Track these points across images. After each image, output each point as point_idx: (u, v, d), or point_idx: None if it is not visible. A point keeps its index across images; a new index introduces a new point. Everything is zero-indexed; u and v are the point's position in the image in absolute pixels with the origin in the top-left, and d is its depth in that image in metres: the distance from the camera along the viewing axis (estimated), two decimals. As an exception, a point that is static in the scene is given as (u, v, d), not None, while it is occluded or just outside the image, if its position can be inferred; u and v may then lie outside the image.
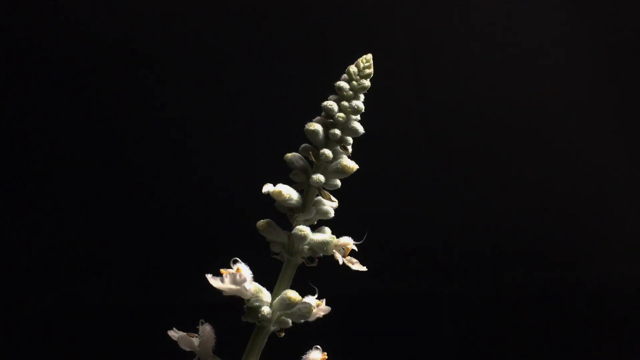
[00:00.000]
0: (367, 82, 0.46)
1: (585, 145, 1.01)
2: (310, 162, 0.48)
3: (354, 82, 0.46)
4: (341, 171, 0.47)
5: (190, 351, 0.48)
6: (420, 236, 1.00)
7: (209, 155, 0.99)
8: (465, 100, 1.01)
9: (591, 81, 1.01)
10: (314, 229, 0.48)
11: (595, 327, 1.00)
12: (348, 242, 0.48)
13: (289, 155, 0.48)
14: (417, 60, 0.99)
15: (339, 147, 0.47)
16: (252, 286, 0.47)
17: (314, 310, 0.49)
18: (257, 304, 0.47)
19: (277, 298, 0.47)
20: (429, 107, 1.00)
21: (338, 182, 0.48)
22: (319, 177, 0.47)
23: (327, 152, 0.47)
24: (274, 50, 0.99)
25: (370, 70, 0.46)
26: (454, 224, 1.00)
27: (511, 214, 1.00)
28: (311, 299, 0.49)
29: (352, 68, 0.46)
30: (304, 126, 0.47)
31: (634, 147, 1.00)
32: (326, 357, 0.47)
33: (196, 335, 0.48)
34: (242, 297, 0.47)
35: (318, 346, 0.48)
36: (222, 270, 0.46)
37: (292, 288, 0.48)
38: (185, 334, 0.48)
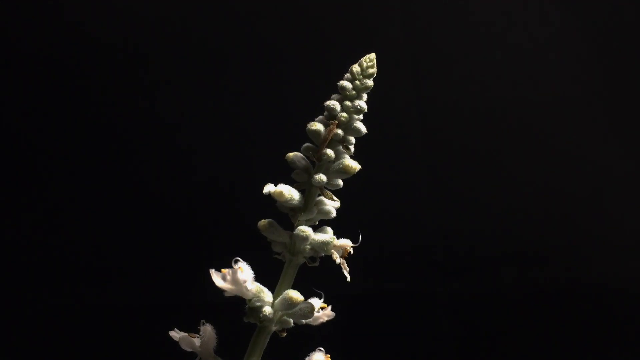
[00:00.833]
0: (370, 82, 0.46)
1: (584, 145, 1.01)
2: (312, 162, 0.47)
3: (357, 82, 0.46)
4: (343, 171, 0.47)
5: (191, 352, 0.47)
6: (419, 236, 1.00)
7: (210, 156, 0.99)
8: (463, 100, 1.01)
9: (590, 81, 1.00)
10: (315, 228, 0.48)
11: (594, 327, 1.00)
12: (347, 243, 0.48)
13: (290, 155, 0.48)
14: (416, 60, 0.99)
15: (341, 147, 0.47)
16: (253, 286, 0.46)
17: (318, 315, 0.49)
18: (258, 304, 0.47)
19: (279, 298, 0.47)
20: (427, 108, 1.00)
21: (340, 182, 0.48)
22: (321, 177, 0.46)
23: (329, 151, 0.46)
24: (274, 50, 0.99)
25: (374, 70, 0.46)
26: (453, 224, 1.00)
27: (510, 214, 1.00)
28: (316, 301, 0.49)
29: (355, 67, 0.46)
30: (305, 126, 0.47)
31: (632, 147, 1.00)
32: (329, 359, 0.47)
33: (197, 335, 0.48)
34: (244, 297, 0.47)
35: (321, 348, 0.47)
36: (223, 270, 0.46)
37: (293, 288, 0.48)
38: (186, 334, 0.47)
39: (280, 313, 0.47)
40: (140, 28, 0.97)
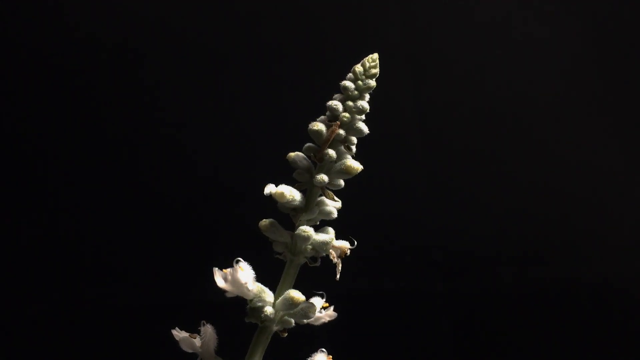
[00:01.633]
0: (372, 82, 0.46)
1: (583, 146, 1.01)
2: (314, 162, 0.47)
3: (360, 82, 0.46)
4: (345, 172, 0.46)
5: (192, 352, 0.47)
6: (418, 236, 1.00)
7: (210, 156, 0.99)
8: (462, 100, 1.01)
9: (589, 82, 1.01)
10: (317, 229, 0.48)
11: (594, 327, 1.00)
12: (345, 245, 0.48)
13: (292, 154, 0.47)
14: (415, 60, 0.99)
15: (342, 147, 0.47)
16: (254, 286, 0.46)
17: (320, 315, 0.49)
18: (259, 304, 0.47)
19: (280, 298, 0.47)
20: (426, 108, 1.00)
21: (341, 182, 0.48)
22: (323, 177, 0.46)
23: (331, 152, 0.46)
24: (274, 51, 0.99)
25: (376, 70, 0.46)
26: (453, 224, 1.00)
27: (509, 214, 1.00)
28: (317, 301, 0.49)
29: (358, 68, 0.46)
30: (306, 126, 0.47)
31: (632, 147, 1.00)
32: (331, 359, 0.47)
33: (198, 335, 0.48)
34: (245, 297, 0.46)
35: (323, 349, 0.47)
36: (224, 270, 0.46)
37: (294, 288, 0.48)
38: (187, 335, 0.47)
39: (281, 313, 0.47)
40: (141, 29, 0.97)
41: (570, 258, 1.00)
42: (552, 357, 1.00)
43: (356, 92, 0.46)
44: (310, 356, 0.48)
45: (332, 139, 0.46)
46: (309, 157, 0.47)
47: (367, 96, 0.46)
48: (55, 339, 0.94)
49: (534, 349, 1.00)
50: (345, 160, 0.46)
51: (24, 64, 0.95)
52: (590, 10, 1.00)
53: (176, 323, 0.48)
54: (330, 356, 0.48)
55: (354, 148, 0.47)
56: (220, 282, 0.46)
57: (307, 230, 0.46)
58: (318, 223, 0.49)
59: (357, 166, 0.46)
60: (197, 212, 0.98)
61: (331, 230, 0.48)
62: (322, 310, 0.49)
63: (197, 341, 0.47)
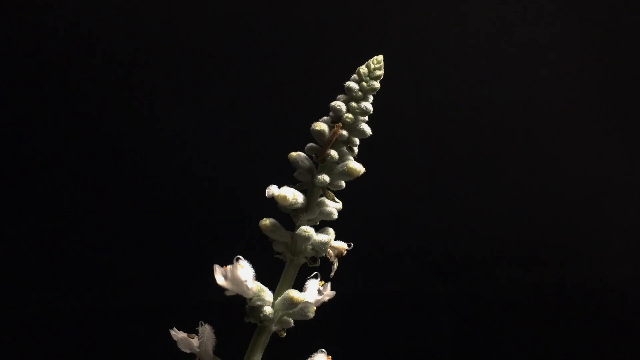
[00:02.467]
0: (376, 84, 0.46)
1: (583, 148, 1.01)
2: (316, 162, 0.47)
3: (364, 83, 0.46)
4: (347, 173, 0.46)
5: (190, 353, 0.47)
6: (417, 237, 1.01)
7: (210, 156, 0.98)
8: (461, 103, 1.01)
9: (589, 84, 1.01)
10: (317, 229, 0.48)
11: (592, 329, 1.01)
12: (342, 245, 0.47)
13: (293, 154, 0.47)
14: (415, 62, 0.99)
15: (345, 148, 0.47)
16: (254, 285, 0.46)
17: (319, 297, 0.49)
18: (259, 303, 0.46)
19: (279, 298, 0.47)
20: (426, 110, 1.00)
21: (342, 183, 0.47)
22: (324, 178, 0.46)
23: (333, 152, 0.46)
24: (275, 52, 0.99)
25: (381, 72, 0.46)
26: (452, 225, 1.00)
27: (508, 216, 1.01)
28: (313, 283, 0.48)
29: (363, 69, 0.46)
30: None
31: (631, 149, 1.00)
32: (331, 360, 0.47)
33: (196, 335, 0.47)
34: (244, 295, 0.46)
35: (323, 349, 0.47)
36: (225, 267, 0.46)
37: (293, 288, 0.47)
38: (185, 335, 0.47)
39: (280, 313, 0.47)
40: (140, 31, 0.96)
41: (570, 260, 1.00)
42: (551, 358, 1.01)
43: (360, 94, 0.46)
44: (310, 356, 0.48)
45: (334, 140, 0.46)
46: (310, 157, 0.47)
47: (371, 97, 0.46)
48: (54, 339, 0.94)
49: (534, 351, 1.01)
50: (347, 162, 0.46)
51: (21, 66, 0.94)
52: (592, 14, 1.00)
53: (174, 323, 0.48)
54: (330, 357, 0.48)
55: (356, 149, 0.47)
56: (220, 279, 0.45)
57: (308, 230, 0.46)
58: (318, 223, 0.49)
59: (359, 168, 0.46)
60: (197, 213, 0.97)
61: (331, 231, 0.48)
62: (320, 290, 0.49)
63: (195, 341, 0.47)
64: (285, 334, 0.48)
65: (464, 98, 1.01)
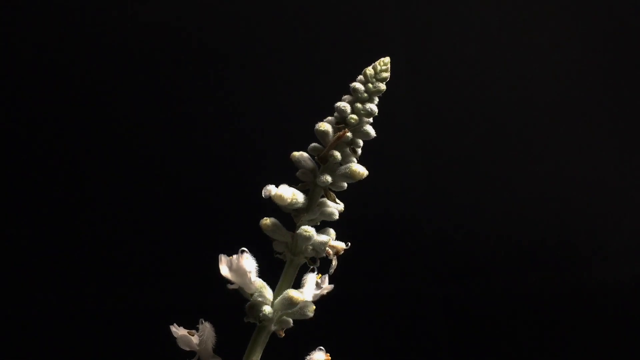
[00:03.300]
0: (382, 86, 0.46)
1: (581, 150, 1.01)
2: (318, 163, 0.47)
3: (370, 85, 0.46)
4: (349, 176, 0.46)
5: (189, 351, 0.47)
6: (416, 239, 1.01)
7: (210, 155, 0.98)
8: (460, 104, 1.01)
9: (588, 84, 1.01)
10: (317, 229, 0.48)
11: (592, 331, 1.01)
12: (341, 245, 0.47)
13: (296, 154, 0.47)
14: (413, 63, 0.99)
15: (348, 150, 0.47)
16: (257, 279, 0.46)
17: (318, 292, 0.49)
18: (260, 299, 0.46)
19: (279, 298, 0.47)
20: (424, 111, 1.00)
21: (344, 185, 0.47)
22: (327, 178, 0.46)
23: (336, 153, 0.46)
24: (275, 52, 0.99)
25: (387, 74, 0.45)
26: (450, 227, 1.01)
27: (507, 218, 1.01)
28: (311, 277, 0.48)
29: (369, 70, 0.46)
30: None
31: (630, 151, 1.01)
32: (329, 358, 0.47)
33: (196, 333, 0.47)
34: (246, 290, 0.46)
35: (322, 347, 0.48)
36: (230, 257, 0.45)
37: (293, 288, 0.47)
38: (185, 332, 0.47)
39: (280, 313, 0.47)
40: (142, 29, 0.96)
41: (569, 262, 1.01)
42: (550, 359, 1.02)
43: (366, 95, 0.46)
44: (309, 354, 0.48)
45: (337, 143, 0.45)
46: (313, 157, 0.47)
47: (377, 99, 0.46)
48: (56, 339, 0.94)
49: (532, 353, 1.01)
50: (350, 164, 0.46)
51: (26, 64, 0.94)
52: (590, 15, 1.00)
53: (174, 321, 0.48)
54: (328, 354, 0.48)
55: (359, 151, 0.47)
56: (224, 270, 0.45)
57: (308, 230, 0.46)
58: (319, 224, 0.49)
59: (362, 171, 0.46)
60: (196, 212, 0.97)
61: (332, 232, 0.48)
62: (319, 284, 0.49)
63: (195, 339, 0.47)
64: (284, 334, 0.48)
65: (462, 99, 1.01)
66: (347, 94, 0.46)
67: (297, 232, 0.46)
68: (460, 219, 1.01)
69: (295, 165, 0.47)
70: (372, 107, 0.46)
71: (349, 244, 0.47)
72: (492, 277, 1.01)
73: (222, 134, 0.98)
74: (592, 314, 1.01)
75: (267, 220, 0.47)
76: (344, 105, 0.46)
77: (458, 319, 1.01)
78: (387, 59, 0.46)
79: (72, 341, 0.94)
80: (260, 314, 0.46)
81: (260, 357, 0.47)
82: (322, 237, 0.47)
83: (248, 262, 0.45)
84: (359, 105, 0.46)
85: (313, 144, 0.47)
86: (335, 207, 0.48)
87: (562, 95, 1.02)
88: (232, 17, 0.98)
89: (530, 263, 1.01)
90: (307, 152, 0.47)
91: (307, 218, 0.47)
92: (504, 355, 1.01)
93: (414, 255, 1.01)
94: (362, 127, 0.46)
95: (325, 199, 0.48)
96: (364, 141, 0.47)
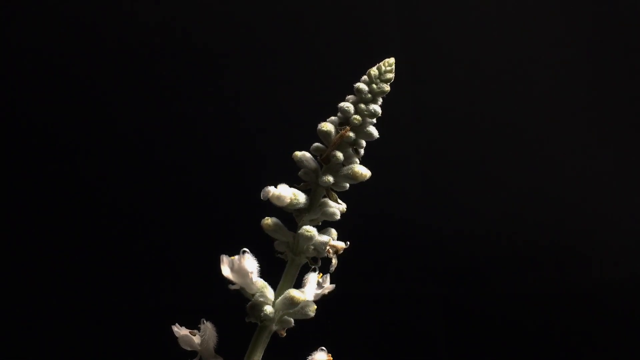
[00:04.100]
0: (386, 87, 0.45)
1: (579, 150, 1.01)
2: (320, 163, 0.47)
3: (374, 85, 0.45)
4: (351, 177, 0.46)
5: (191, 351, 0.47)
6: (415, 240, 1.01)
7: (210, 155, 0.98)
8: (458, 104, 1.01)
9: (584, 86, 1.01)
10: (319, 229, 0.48)
11: (590, 331, 1.01)
12: (340, 244, 0.47)
13: (298, 154, 0.47)
14: (412, 64, 0.99)
15: (351, 150, 0.47)
16: (258, 280, 0.46)
17: (319, 291, 0.49)
18: (261, 299, 0.46)
19: (280, 297, 0.47)
20: (422, 111, 1.00)
21: (346, 185, 0.47)
22: (329, 179, 0.46)
23: (338, 154, 0.46)
24: (276, 52, 0.99)
25: (392, 75, 0.45)
26: (448, 227, 1.01)
27: (505, 218, 1.01)
28: (312, 277, 0.48)
29: (373, 71, 0.45)
30: (315, 126, 0.46)
31: (627, 150, 1.01)
32: (331, 358, 0.47)
33: (198, 333, 0.47)
34: (248, 290, 0.46)
35: (323, 347, 0.48)
36: (232, 257, 0.45)
37: (294, 288, 0.47)
38: (187, 332, 0.47)
39: (281, 312, 0.47)
40: (143, 30, 0.96)
41: (568, 262, 1.01)
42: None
43: (369, 96, 0.46)
44: (310, 355, 0.48)
45: (339, 143, 0.45)
46: (315, 157, 0.47)
47: (380, 100, 0.46)
48: (56, 339, 0.94)
49: (531, 353, 1.01)
50: (353, 165, 0.46)
51: (26, 64, 0.94)
52: (586, 14, 1.00)
53: (176, 321, 0.47)
54: (330, 355, 0.48)
55: (362, 151, 0.47)
56: (225, 270, 0.45)
57: (310, 230, 0.46)
58: (320, 224, 0.48)
59: (364, 172, 0.46)
60: (197, 212, 0.97)
61: (334, 232, 0.48)
62: (320, 285, 0.49)
63: (197, 339, 0.47)
64: (285, 334, 0.48)
65: (460, 100, 1.01)
66: (350, 94, 0.46)
67: (299, 232, 0.46)
68: (459, 220, 1.01)
69: (297, 165, 0.47)
70: (376, 108, 0.46)
71: (349, 243, 0.47)
72: (491, 277, 1.01)
73: (224, 134, 0.98)
74: (591, 314, 1.02)
75: (268, 220, 0.47)
76: (347, 105, 0.46)
77: (457, 319, 1.01)
78: (392, 60, 0.46)
79: (74, 341, 0.94)
80: (262, 314, 0.46)
81: (261, 357, 0.47)
82: (323, 237, 0.47)
83: (249, 262, 0.45)
84: (362, 105, 0.46)
85: (315, 144, 0.47)
86: (337, 207, 0.48)
87: (562, 96, 1.02)
88: (234, 18, 0.98)
89: (529, 263, 1.02)
90: (310, 152, 0.47)
91: (309, 218, 0.47)
92: (503, 356, 1.02)
93: (414, 255, 1.01)
94: (365, 127, 0.46)
95: (326, 199, 0.48)
96: (366, 142, 0.47)
